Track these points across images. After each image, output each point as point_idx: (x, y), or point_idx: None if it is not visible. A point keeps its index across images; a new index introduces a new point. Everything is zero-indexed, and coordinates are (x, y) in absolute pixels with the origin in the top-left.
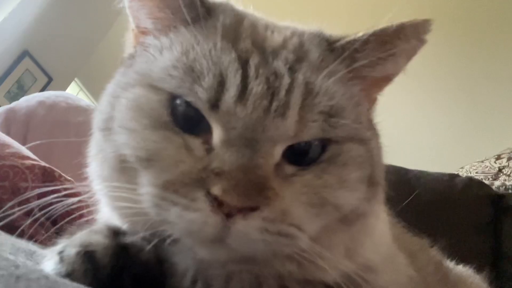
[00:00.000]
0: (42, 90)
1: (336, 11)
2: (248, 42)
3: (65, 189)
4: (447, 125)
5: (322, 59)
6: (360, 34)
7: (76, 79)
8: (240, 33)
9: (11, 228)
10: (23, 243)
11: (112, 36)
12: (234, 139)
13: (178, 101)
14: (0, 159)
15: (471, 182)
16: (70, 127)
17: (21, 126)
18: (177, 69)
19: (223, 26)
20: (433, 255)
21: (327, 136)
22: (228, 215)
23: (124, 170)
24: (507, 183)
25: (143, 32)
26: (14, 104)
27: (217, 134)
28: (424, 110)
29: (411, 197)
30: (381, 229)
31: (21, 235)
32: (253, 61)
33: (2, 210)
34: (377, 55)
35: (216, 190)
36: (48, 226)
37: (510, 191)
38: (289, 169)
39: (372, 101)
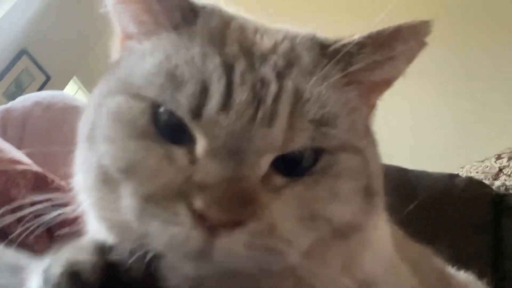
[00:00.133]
0: (40, 88)
1: (332, 13)
2: (235, 46)
3: (59, 196)
4: (447, 125)
5: (314, 63)
6: (356, 37)
7: (74, 77)
8: (227, 37)
9: (2, 236)
10: (11, 256)
11: (111, 34)
12: (218, 150)
13: (161, 109)
14: None
15: (471, 182)
16: (67, 127)
17: (17, 127)
18: (158, 75)
19: (209, 29)
20: (436, 262)
21: (318, 145)
22: (212, 230)
23: (106, 181)
24: (508, 183)
25: (128, 36)
26: (10, 104)
27: (200, 144)
28: (424, 109)
29: (413, 205)
30: (381, 239)
31: (14, 243)
32: (239, 67)
33: None
34: (374, 58)
35: (198, 203)
36: (42, 234)
37: (510, 191)
38: (278, 180)
39: (371, 107)
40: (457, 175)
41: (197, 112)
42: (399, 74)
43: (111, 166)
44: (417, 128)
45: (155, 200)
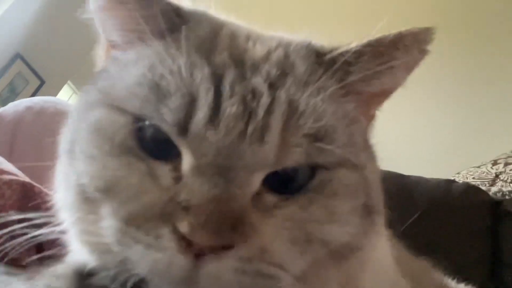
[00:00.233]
0: (35, 93)
1: (328, 19)
2: (224, 54)
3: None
4: (442, 130)
5: (310, 73)
6: (354, 44)
7: (69, 82)
8: (216, 45)
9: None
10: None
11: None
12: (205, 167)
13: (146, 123)
14: None
15: (468, 188)
16: (59, 133)
17: (8, 132)
18: (142, 87)
19: (197, 37)
20: (436, 277)
21: (314, 161)
22: (198, 255)
23: (86, 200)
24: (504, 189)
25: (112, 45)
26: (1, 110)
27: (186, 161)
28: (420, 115)
29: (414, 217)
30: (381, 258)
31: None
32: (228, 77)
33: None
34: (373, 68)
35: (183, 226)
36: (31, 249)
37: (507, 197)
38: (270, 199)
39: (369, 119)
40: (454, 181)
41: (183, 126)
42: (399, 85)
43: (90, 185)
44: (413, 133)
45: (136, 222)
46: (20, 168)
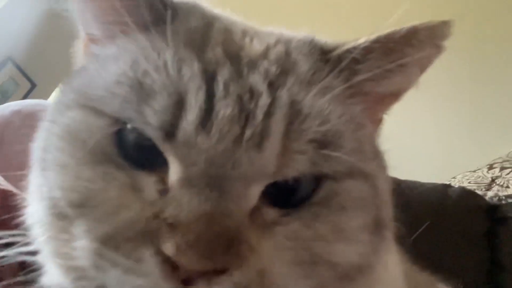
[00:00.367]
0: (25, 96)
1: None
2: (218, 50)
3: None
4: (438, 134)
5: (313, 72)
6: (362, 40)
7: (60, 85)
8: (209, 40)
9: None
10: None
11: None
12: (196, 178)
13: (128, 126)
14: None
15: (464, 193)
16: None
17: None
18: (122, 85)
19: (187, 30)
20: None
21: (319, 170)
22: (186, 281)
23: (59, 216)
24: (501, 193)
25: (91, 40)
26: None
27: (174, 171)
28: (415, 119)
29: (417, 233)
30: (392, 277)
31: None
32: (223, 75)
33: None
34: (383, 66)
35: (168, 247)
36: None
37: (503, 201)
38: (270, 213)
39: (377, 123)
40: (449, 186)
41: (170, 130)
42: (411, 85)
43: (62, 199)
44: (408, 137)
45: (115, 243)
46: (4, 176)
